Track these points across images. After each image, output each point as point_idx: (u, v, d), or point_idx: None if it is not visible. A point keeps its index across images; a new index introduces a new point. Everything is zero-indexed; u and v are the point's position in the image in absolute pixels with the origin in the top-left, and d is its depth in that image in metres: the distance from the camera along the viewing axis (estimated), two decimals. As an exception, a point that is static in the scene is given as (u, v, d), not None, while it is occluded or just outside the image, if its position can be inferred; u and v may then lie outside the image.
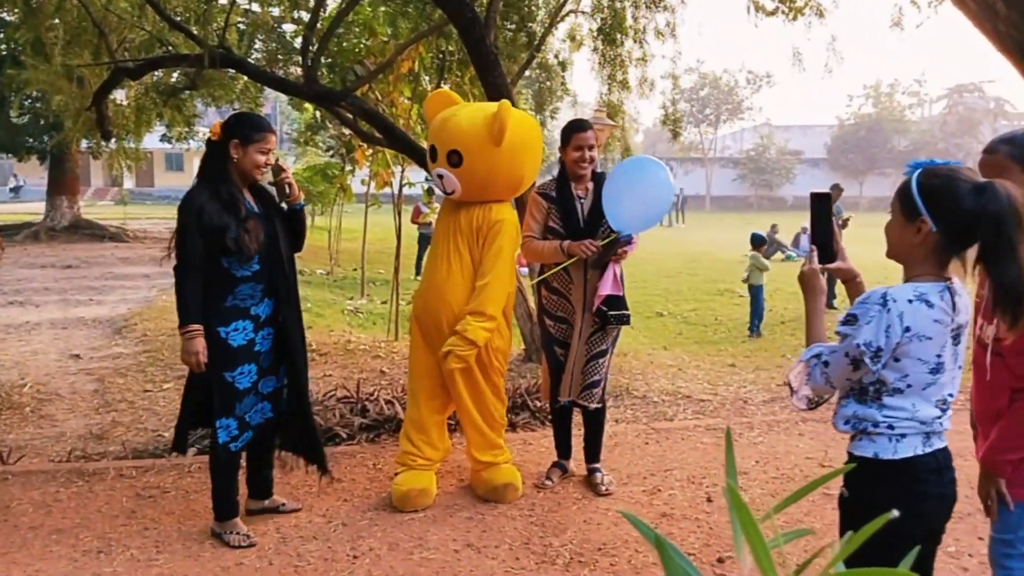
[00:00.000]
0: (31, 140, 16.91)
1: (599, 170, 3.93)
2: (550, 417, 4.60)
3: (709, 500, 3.77)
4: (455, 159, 3.56)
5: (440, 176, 3.62)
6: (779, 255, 19.09)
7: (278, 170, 3.35)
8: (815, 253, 1.97)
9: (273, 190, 3.39)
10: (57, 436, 4.84)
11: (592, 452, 4.01)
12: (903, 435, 1.83)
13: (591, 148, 3.75)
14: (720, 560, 3.15)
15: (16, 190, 37.77)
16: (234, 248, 3.08)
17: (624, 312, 3.80)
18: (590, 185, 3.84)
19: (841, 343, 1.81)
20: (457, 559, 3.16)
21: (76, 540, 3.30)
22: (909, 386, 1.82)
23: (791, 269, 17.55)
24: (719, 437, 4.74)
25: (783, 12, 6.87)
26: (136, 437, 4.84)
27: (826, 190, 2.08)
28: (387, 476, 3.97)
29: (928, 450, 1.85)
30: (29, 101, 14.62)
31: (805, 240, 18.84)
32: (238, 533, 3.27)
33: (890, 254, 1.92)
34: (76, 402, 5.57)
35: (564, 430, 4.08)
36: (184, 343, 3.08)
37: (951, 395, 1.87)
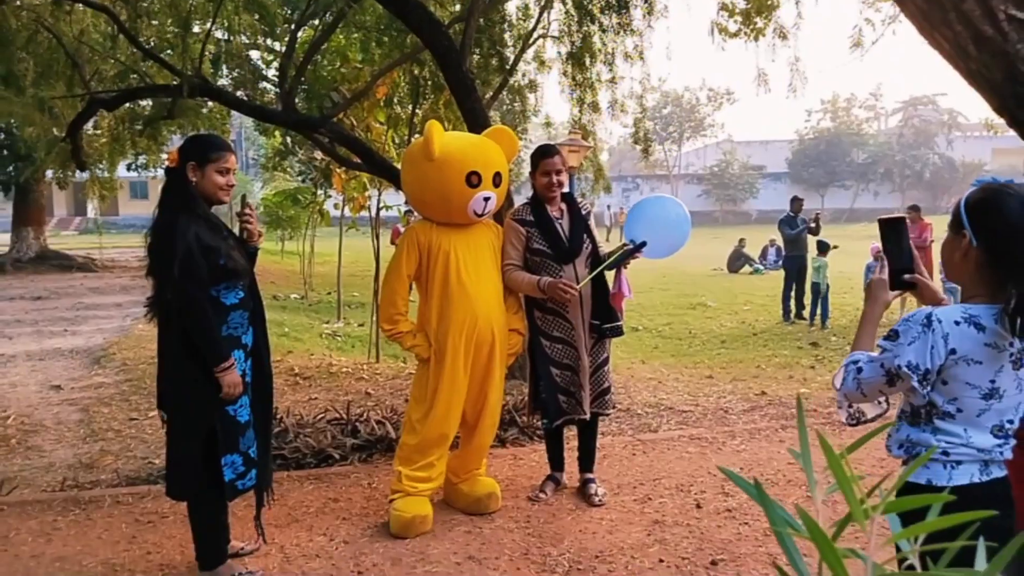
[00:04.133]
0: (-3, 171, 16.72)
1: (572, 191, 4.10)
2: (539, 432, 4.72)
3: (698, 506, 3.89)
4: (498, 180, 3.70)
5: (487, 199, 3.66)
6: (747, 268, 19.46)
7: (244, 204, 3.28)
8: (885, 267, 1.94)
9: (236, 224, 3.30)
10: (46, 466, 4.83)
11: (587, 462, 4.11)
12: (958, 462, 1.77)
13: (559, 173, 3.87)
14: (714, 563, 3.27)
15: (-24, 222, 37.00)
16: (230, 266, 2.99)
17: (618, 324, 3.93)
18: (563, 206, 3.97)
19: (880, 355, 1.80)
20: (460, 571, 3.24)
21: (80, 567, 3.32)
22: (960, 411, 1.77)
23: (759, 282, 17.88)
24: (704, 446, 4.88)
25: (745, 34, 7.12)
26: (127, 465, 4.84)
27: (898, 214, 2.01)
28: (382, 495, 4.03)
29: (986, 479, 1.78)
30: (-1, 134, 14.49)
31: (772, 253, 19.28)
32: (240, 574, 3.17)
33: (946, 274, 1.89)
34: (62, 432, 5.55)
35: (558, 444, 4.18)
36: (225, 379, 2.97)
37: (1011, 422, 1.80)
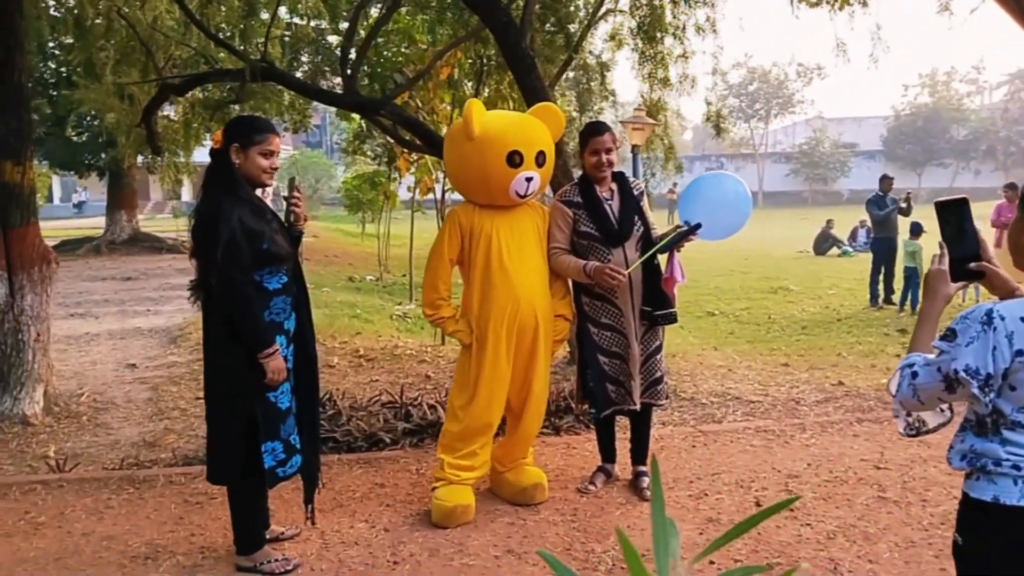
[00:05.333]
0: (90, 157, 17.50)
1: (638, 171, 3.88)
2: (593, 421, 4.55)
3: (758, 504, 3.66)
4: (541, 160, 3.53)
5: (530, 179, 3.49)
6: (835, 251, 18.65)
7: (293, 187, 3.21)
8: (945, 256, 1.72)
9: (283, 205, 3.26)
10: (112, 444, 4.96)
11: (640, 454, 3.94)
12: None
13: (608, 151, 3.67)
14: (769, 566, 3.05)
15: (79, 205, 39.17)
16: (273, 250, 2.96)
17: (671, 311, 3.71)
18: (613, 186, 3.76)
19: (936, 357, 1.60)
20: (497, 565, 3.13)
21: (125, 546, 3.36)
22: None
23: (846, 265, 17.16)
24: (769, 439, 4.62)
25: (827, 3, 6.67)
26: (187, 444, 4.93)
27: (959, 196, 1.76)
28: (429, 481, 3.94)
29: None
30: (87, 120, 15.12)
31: (862, 234, 18.39)
32: (275, 560, 3.12)
33: (1015, 261, 1.70)
34: (131, 410, 5.71)
35: (609, 434, 4.01)
36: (270, 364, 2.92)
37: None
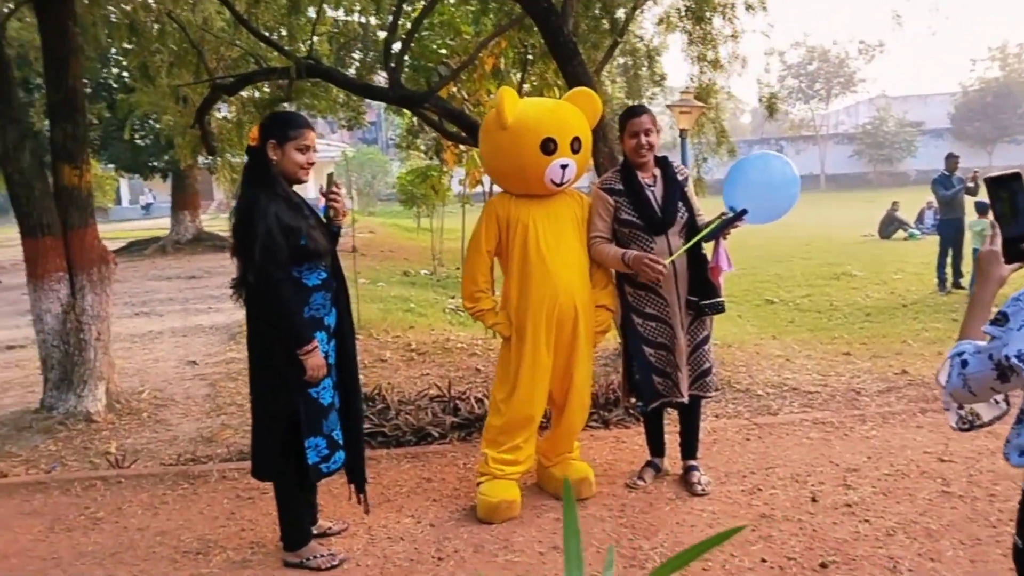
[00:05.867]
0: (152, 160, 18.02)
1: (686, 156, 3.74)
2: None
3: (814, 500, 3.53)
4: (577, 146, 3.46)
5: (564, 167, 3.41)
6: (900, 234, 18.03)
7: (331, 183, 3.18)
8: (998, 235, 1.59)
9: (322, 202, 3.25)
10: (170, 440, 5.08)
11: (690, 448, 3.84)
12: None
13: (648, 133, 3.53)
14: (823, 565, 2.93)
15: (147, 207, 40.48)
16: (311, 247, 2.96)
17: (718, 300, 3.57)
18: (656, 171, 3.62)
19: (988, 344, 1.49)
20: (542, 562, 3.08)
21: (178, 541, 3.43)
22: None
23: (913, 248, 16.57)
24: (828, 431, 4.46)
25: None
26: (242, 439, 5.01)
27: (1012, 171, 1.59)
28: (476, 475, 3.92)
29: None
30: (147, 123, 15.55)
31: (930, 216, 17.71)
32: (321, 555, 3.13)
33: None
34: (189, 407, 5.84)
35: (657, 427, 3.92)
36: (309, 361, 2.92)
37: None
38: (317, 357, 2.96)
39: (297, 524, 3.17)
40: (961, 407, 1.58)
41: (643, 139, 3.53)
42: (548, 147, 3.37)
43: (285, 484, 3.12)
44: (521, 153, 3.41)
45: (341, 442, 3.15)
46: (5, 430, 5.23)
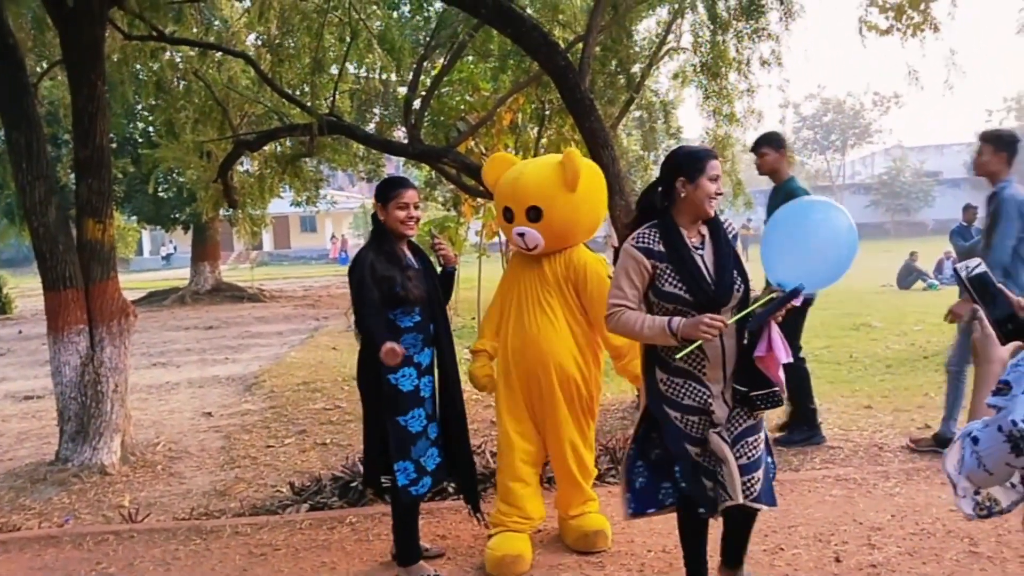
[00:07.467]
0: (175, 212, 18.35)
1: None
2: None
3: (838, 560, 3.44)
4: (533, 215, 3.56)
5: (521, 235, 3.60)
6: (919, 284, 17.88)
7: (433, 237, 3.72)
8: (985, 322, 1.61)
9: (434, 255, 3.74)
10: (184, 493, 5.05)
11: (736, 555, 3.08)
12: None
13: (716, 180, 2.85)
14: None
15: (167, 258, 41.07)
16: (402, 294, 3.31)
17: (774, 390, 2.75)
18: (704, 230, 2.88)
19: (994, 417, 1.45)
20: (559, 624, 3.01)
21: (189, 600, 3.38)
22: None
23: (932, 299, 16.37)
24: (851, 488, 4.36)
25: (898, 30, 6.48)
26: (256, 493, 4.99)
27: (975, 269, 1.65)
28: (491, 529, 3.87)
29: None
30: (171, 176, 15.88)
31: (948, 266, 17.58)
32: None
33: None
34: (204, 459, 5.82)
35: (701, 542, 3.01)
36: (384, 354, 3.19)
37: None
38: (389, 346, 3.19)
39: (407, 540, 3.46)
40: (977, 492, 1.52)
41: (718, 186, 2.85)
42: (507, 215, 3.67)
43: (393, 500, 3.43)
44: (498, 217, 3.85)
45: (429, 469, 3.44)
46: (20, 482, 5.23)
